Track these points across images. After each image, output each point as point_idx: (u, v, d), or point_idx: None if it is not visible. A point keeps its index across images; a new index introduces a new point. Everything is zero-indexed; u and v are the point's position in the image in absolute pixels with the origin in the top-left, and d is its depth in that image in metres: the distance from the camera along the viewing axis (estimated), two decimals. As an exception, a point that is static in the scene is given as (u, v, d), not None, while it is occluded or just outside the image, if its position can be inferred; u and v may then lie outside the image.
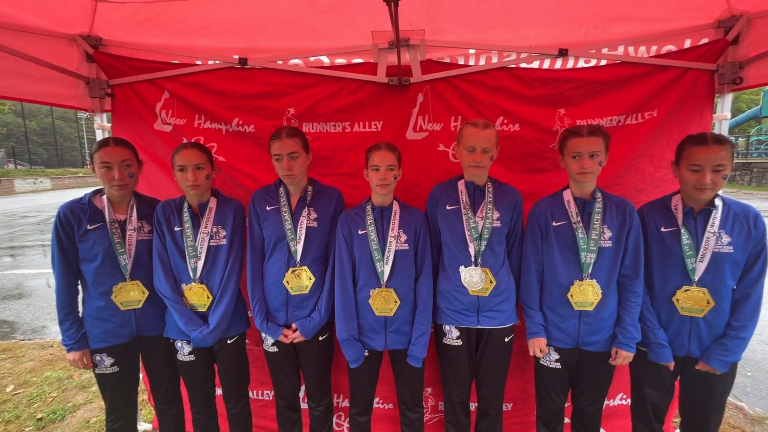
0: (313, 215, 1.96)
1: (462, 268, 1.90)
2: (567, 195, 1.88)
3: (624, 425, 2.28)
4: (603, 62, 2.25)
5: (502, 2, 2.00)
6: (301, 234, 1.93)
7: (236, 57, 2.28)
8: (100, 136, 2.36)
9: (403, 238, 1.92)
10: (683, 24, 2.13)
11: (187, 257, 1.90)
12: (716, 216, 1.71)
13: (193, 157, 1.85)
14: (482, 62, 2.30)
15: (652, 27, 2.14)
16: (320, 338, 2.02)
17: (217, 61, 2.31)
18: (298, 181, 1.95)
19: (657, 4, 2.01)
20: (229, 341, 2.02)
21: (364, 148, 1.98)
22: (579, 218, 1.82)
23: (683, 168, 1.71)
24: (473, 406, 2.17)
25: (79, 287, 1.93)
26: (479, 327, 1.93)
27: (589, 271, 1.80)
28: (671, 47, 2.21)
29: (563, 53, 2.20)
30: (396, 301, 1.90)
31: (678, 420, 1.99)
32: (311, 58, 2.33)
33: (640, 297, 1.81)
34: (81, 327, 1.91)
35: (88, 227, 1.84)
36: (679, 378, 1.88)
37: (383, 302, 1.90)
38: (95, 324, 1.90)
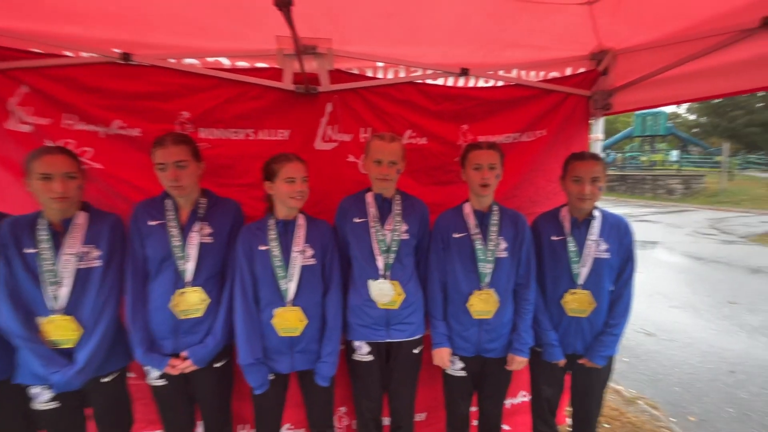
0: (207, 230, 1.78)
1: (370, 282, 1.87)
2: (467, 208, 1.97)
3: (525, 421, 2.42)
4: (501, 83, 2.43)
5: (408, 19, 2.03)
6: (193, 251, 1.73)
7: (117, 51, 2.00)
8: (-74, 134, 1.88)
9: (309, 252, 1.83)
10: (565, 54, 2.39)
11: (43, 284, 1.58)
12: (595, 225, 1.92)
13: (61, 164, 1.56)
14: (390, 76, 2.33)
15: (540, 54, 2.36)
16: (215, 365, 1.82)
17: (93, 54, 2.00)
18: (187, 193, 1.75)
19: (542, 35, 2.21)
20: (103, 380, 1.73)
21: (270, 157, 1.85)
22: (478, 230, 1.91)
23: (568, 180, 1.91)
24: (386, 420, 2.14)
25: None
26: (389, 341, 1.91)
27: (487, 280, 1.89)
28: (556, 74, 2.47)
29: (465, 72, 2.33)
30: (302, 320, 1.80)
31: (570, 409, 2.18)
32: (209, 59, 2.14)
33: (532, 304, 1.94)
34: None
35: None
36: (570, 373, 2.06)
37: (288, 322, 1.78)
38: None
